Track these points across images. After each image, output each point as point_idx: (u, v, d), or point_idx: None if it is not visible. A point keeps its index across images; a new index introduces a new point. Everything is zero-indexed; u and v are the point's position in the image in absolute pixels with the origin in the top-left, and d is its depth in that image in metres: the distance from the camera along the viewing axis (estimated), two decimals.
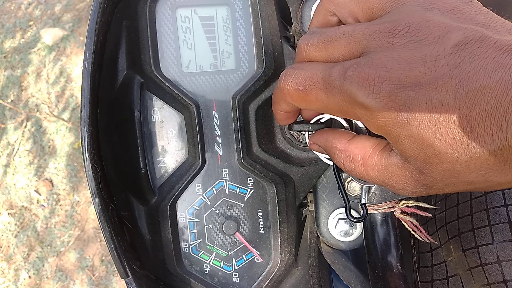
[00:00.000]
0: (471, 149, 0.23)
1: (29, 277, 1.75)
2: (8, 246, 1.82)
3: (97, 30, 0.34)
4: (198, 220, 0.42)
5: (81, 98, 0.31)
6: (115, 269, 1.65)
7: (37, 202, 1.87)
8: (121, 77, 0.40)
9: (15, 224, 1.85)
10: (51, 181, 1.88)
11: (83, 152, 0.31)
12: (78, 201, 1.81)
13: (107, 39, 0.39)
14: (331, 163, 0.40)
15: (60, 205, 1.83)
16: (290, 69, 0.31)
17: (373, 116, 0.26)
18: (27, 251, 1.79)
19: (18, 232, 1.83)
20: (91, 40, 0.32)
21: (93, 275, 1.68)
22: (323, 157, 0.41)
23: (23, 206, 1.87)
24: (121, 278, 0.33)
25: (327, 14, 0.31)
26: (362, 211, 0.37)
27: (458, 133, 0.23)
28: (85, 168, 0.31)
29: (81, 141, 0.30)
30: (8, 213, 1.87)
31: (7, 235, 1.84)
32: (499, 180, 0.24)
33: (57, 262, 1.75)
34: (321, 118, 0.41)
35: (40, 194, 1.87)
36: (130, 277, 0.34)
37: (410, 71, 0.24)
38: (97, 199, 0.31)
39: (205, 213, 0.42)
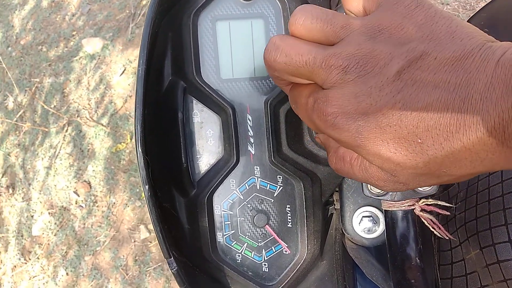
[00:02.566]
0: (425, 156, 0.26)
1: (67, 274, 1.84)
2: (48, 244, 1.92)
3: (149, 41, 0.39)
4: (232, 213, 0.46)
5: (136, 99, 0.36)
6: (148, 269, 1.72)
7: (76, 203, 1.97)
8: (167, 82, 0.45)
9: (55, 223, 1.95)
10: (89, 183, 1.97)
11: (136, 145, 0.35)
12: (114, 203, 1.89)
13: (154, 49, 0.44)
14: None
15: (97, 206, 1.92)
16: (294, 84, 0.35)
17: (338, 141, 0.30)
18: (65, 249, 1.89)
19: (58, 231, 1.93)
20: (144, 49, 0.37)
21: (127, 275, 1.75)
22: None
23: (62, 206, 1.97)
24: (164, 258, 0.37)
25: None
26: None
27: (410, 146, 0.27)
28: (137, 160, 0.35)
29: (135, 136, 0.35)
30: (49, 213, 1.98)
31: (47, 233, 1.95)
32: (460, 174, 0.27)
33: (93, 260, 1.83)
34: None
35: (78, 195, 1.97)
36: (172, 258, 0.38)
37: (358, 104, 0.28)
38: (147, 187, 0.36)
39: (238, 207, 0.46)
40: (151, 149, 0.43)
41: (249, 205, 0.47)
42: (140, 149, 0.35)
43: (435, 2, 1.88)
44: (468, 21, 0.75)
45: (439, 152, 0.26)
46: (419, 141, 0.26)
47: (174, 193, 0.45)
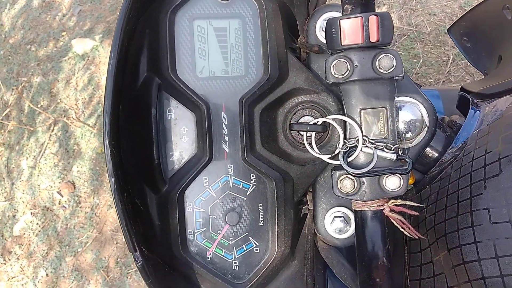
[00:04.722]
0: None
1: (47, 275, 1.81)
2: (29, 244, 1.89)
3: (122, 36, 0.39)
4: (204, 210, 0.46)
5: (105, 92, 0.36)
6: (129, 271, 1.70)
7: (59, 203, 1.94)
8: (142, 78, 0.45)
9: (37, 224, 1.93)
10: (73, 184, 1.95)
11: (103, 138, 0.35)
12: (98, 204, 1.88)
13: (131, 44, 0.44)
14: (332, 162, 0.44)
15: (81, 207, 1.90)
16: None
17: None
18: (46, 250, 1.86)
19: (39, 231, 1.91)
20: (116, 43, 0.37)
21: (108, 276, 1.73)
22: (325, 157, 0.45)
23: (45, 206, 1.95)
24: (129, 252, 0.37)
25: None
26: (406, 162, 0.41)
27: None
28: (104, 152, 0.35)
29: (103, 128, 0.35)
30: (31, 213, 1.95)
31: (28, 233, 1.92)
32: None
33: (74, 262, 1.81)
34: (318, 121, 0.46)
35: (62, 196, 1.95)
36: (138, 252, 0.38)
37: None
38: (113, 179, 0.36)
39: (210, 204, 0.46)
40: (124, 144, 0.43)
41: (221, 203, 0.47)
42: (107, 142, 0.35)
43: (423, 12, 1.91)
44: (448, 29, 0.77)
45: None
46: None
47: (146, 189, 0.45)
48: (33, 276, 1.82)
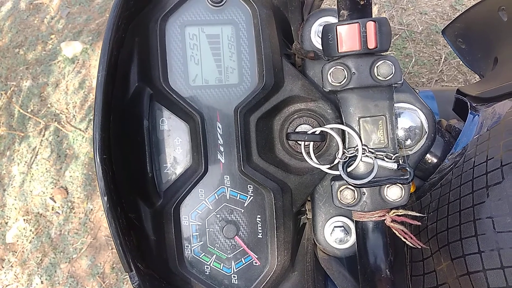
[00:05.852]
0: None
1: (42, 282, 1.79)
2: (23, 252, 1.87)
3: (111, 45, 0.37)
4: (200, 224, 0.45)
5: (95, 106, 0.34)
6: (125, 277, 1.68)
7: (52, 209, 1.92)
8: (133, 88, 0.44)
9: (30, 230, 1.90)
10: (66, 189, 1.93)
11: (94, 154, 0.34)
12: (91, 209, 1.85)
13: (120, 54, 0.43)
14: (331, 172, 0.43)
15: (74, 213, 1.87)
16: None
17: None
18: (40, 256, 1.84)
19: (33, 238, 1.88)
20: (105, 54, 0.36)
21: (104, 282, 1.71)
22: (324, 168, 0.44)
23: (38, 212, 1.92)
24: (125, 272, 0.36)
25: None
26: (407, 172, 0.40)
27: None
28: (95, 169, 0.34)
29: (93, 145, 0.34)
30: (24, 219, 1.93)
31: (22, 240, 1.89)
32: None
33: (69, 268, 1.79)
34: (315, 131, 0.44)
35: (55, 202, 1.92)
36: (134, 271, 0.37)
37: None
38: (105, 198, 0.35)
39: (207, 217, 0.45)
40: (116, 157, 0.42)
41: (218, 216, 0.45)
42: (98, 159, 0.34)
43: (414, 11, 1.90)
44: (442, 31, 0.76)
45: None
46: None
47: (140, 203, 0.44)
48: (28, 284, 1.80)
